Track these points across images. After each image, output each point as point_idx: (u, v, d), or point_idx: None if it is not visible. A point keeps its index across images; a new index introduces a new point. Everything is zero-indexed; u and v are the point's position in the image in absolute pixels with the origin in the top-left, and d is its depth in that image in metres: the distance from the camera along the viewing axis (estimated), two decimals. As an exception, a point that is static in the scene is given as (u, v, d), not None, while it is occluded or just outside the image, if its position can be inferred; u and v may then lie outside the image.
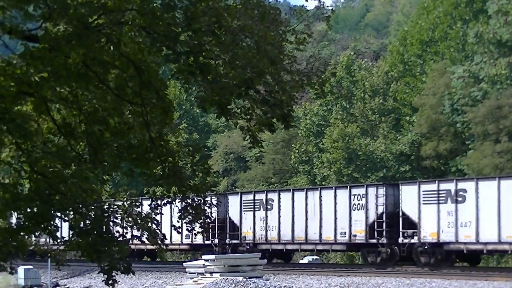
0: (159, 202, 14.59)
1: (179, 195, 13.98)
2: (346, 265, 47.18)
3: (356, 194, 40.42)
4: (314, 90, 13.79)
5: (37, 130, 13.07)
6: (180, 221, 14.36)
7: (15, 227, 12.92)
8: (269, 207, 44.46)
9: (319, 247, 42.74)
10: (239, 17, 12.48)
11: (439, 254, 37.55)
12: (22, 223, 12.82)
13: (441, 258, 37.55)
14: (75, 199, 12.89)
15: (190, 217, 14.18)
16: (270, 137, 61.46)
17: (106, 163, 13.35)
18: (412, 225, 38.42)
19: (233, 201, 46.38)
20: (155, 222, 14.36)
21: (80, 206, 13.08)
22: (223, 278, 32.31)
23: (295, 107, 17.75)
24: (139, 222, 14.14)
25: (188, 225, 14.36)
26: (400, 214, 38.77)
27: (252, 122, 13.46)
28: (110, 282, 13.74)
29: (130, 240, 14.16)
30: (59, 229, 13.34)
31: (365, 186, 41.51)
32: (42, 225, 12.80)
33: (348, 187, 41.87)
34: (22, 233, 12.92)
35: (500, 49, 53.48)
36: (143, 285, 40.22)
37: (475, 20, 58.78)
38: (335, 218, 40.98)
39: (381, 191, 39.77)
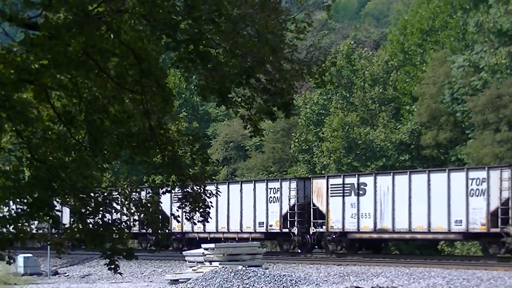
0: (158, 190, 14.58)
1: (178, 184, 13.96)
2: (346, 254, 47.33)
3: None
4: (314, 80, 13.74)
5: (37, 117, 13.06)
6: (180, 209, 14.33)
7: (14, 214, 12.89)
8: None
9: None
10: (239, 5, 12.44)
11: (184, 241, 49.37)
12: (21, 210, 12.81)
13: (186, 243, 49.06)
14: (75, 185, 12.88)
15: (190, 206, 14.16)
16: (270, 126, 61.37)
17: (106, 151, 13.34)
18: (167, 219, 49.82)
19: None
20: (155, 207, 14.33)
21: (81, 192, 13.08)
22: (223, 267, 32.34)
23: (295, 96, 17.71)
24: (140, 207, 14.13)
25: (187, 214, 14.33)
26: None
27: (253, 111, 13.43)
28: (113, 266, 13.76)
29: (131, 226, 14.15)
30: (60, 216, 13.33)
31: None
32: (42, 212, 12.80)
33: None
34: (21, 221, 12.89)
35: (500, 38, 53.34)
36: (143, 273, 40.30)
37: (475, 9, 58.64)
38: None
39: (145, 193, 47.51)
